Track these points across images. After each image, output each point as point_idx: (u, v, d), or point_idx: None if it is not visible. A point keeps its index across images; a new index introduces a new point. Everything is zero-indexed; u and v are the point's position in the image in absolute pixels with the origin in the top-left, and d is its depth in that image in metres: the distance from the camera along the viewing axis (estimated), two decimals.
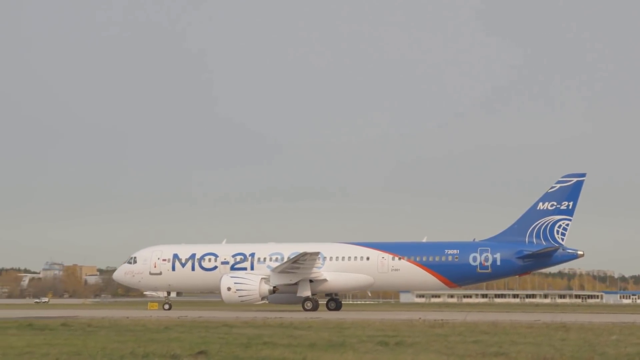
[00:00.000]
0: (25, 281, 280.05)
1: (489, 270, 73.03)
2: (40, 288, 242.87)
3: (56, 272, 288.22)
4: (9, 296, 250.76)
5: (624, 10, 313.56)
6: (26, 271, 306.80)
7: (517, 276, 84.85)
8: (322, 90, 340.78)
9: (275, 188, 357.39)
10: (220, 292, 73.25)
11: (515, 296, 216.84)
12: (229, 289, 71.93)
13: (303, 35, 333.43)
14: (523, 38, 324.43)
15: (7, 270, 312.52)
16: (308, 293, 73.35)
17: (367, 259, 74.54)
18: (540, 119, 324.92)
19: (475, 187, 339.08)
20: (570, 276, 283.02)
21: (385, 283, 76.33)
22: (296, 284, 73.43)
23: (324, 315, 61.71)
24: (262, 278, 72.69)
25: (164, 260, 76.79)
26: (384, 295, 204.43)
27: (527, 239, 72.88)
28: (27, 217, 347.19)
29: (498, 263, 72.75)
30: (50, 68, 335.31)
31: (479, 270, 73.02)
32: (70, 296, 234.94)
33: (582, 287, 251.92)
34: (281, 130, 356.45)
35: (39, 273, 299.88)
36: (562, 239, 72.78)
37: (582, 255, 74.51)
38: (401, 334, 36.10)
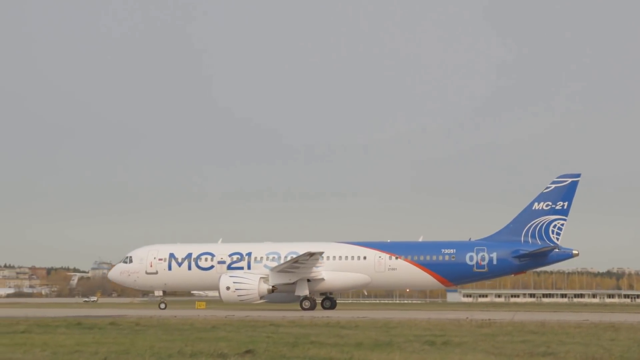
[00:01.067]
0: (75, 280, 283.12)
1: (486, 269, 74.54)
2: (89, 287, 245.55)
3: (105, 271, 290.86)
4: (58, 295, 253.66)
5: (619, 12, 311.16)
6: (75, 270, 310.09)
7: (512, 274, 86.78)
8: (321, 91, 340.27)
9: (271, 188, 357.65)
10: (217, 292, 74.04)
11: (563, 296, 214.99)
12: (228, 288, 72.82)
13: (302, 34, 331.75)
14: (519, 38, 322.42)
15: (56, 269, 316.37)
16: (306, 292, 74.51)
17: (364, 258, 75.57)
18: (536, 119, 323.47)
19: (470, 187, 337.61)
20: (619, 276, 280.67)
21: (382, 282, 77.15)
22: (294, 283, 74.30)
23: (371, 314, 61.69)
24: (261, 277, 73.48)
25: (160, 259, 77.42)
26: (430, 294, 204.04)
27: (522, 239, 74.26)
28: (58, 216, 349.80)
29: (494, 262, 74.22)
30: (58, 66, 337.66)
31: (475, 269, 74.49)
32: (119, 295, 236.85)
33: (631, 287, 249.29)
34: (276, 130, 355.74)
35: (88, 272, 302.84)
36: (557, 239, 74.21)
37: (577, 255, 75.48)
38: (448, 334, 35.96)
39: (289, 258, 74.24)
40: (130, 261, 77.76)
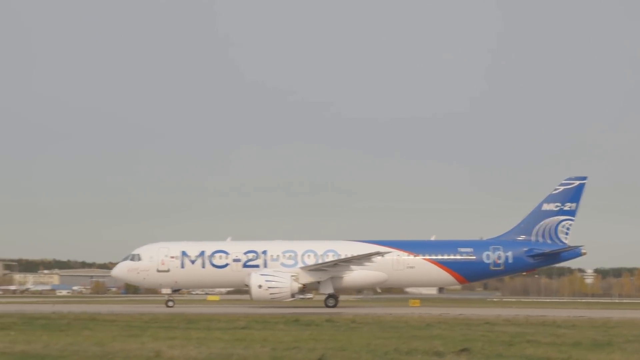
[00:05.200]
0: None
1: (502, 267, 78.18)
2: None
3: None
4: None
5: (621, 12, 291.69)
6: None
7: (524, 273, 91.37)
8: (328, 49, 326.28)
9: (277, 182, 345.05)
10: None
11: None
12: (260, 286, 73.68)
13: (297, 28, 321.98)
14: (523, 37, 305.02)
15: None
16: (331, 290, 75.92)
17: (383, 256, 75.71)
18: (542, 121, 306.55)
19: (471, 186, 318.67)
20: None
21: (399, 280, 79.06)
22: (319, 282, 75.62)
23: (588, 313, 60.48)
24: (292, 276, 74.46)
25: (172, 257, 77.60)
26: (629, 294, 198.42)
27: (533, 238, 78.18)
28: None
29: (510, 261, 77.90)
30: (64, 61, 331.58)
31: (492, 267, 77.73)
32: None
33: None
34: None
35: None
36: (566, 238, 78.18)
37: (585, 254, 79.39)
38: None
39: (305, 257, 76.55)
40: (139, 259, 77.67)
